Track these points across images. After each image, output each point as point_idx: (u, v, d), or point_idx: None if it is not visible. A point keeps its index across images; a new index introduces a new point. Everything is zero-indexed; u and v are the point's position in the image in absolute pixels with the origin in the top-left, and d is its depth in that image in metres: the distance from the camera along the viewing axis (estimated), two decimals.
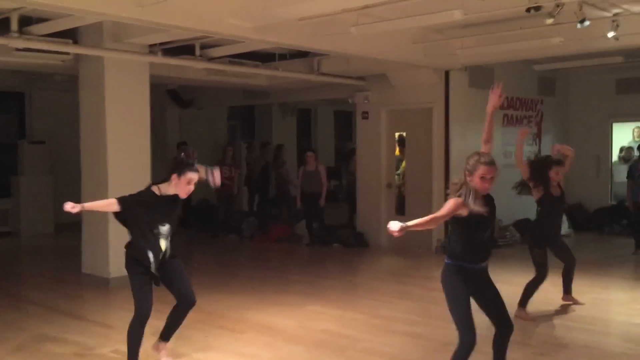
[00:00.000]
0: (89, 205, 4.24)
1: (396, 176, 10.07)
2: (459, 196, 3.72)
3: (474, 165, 3.78)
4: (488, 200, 3.87)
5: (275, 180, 12.21)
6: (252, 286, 7.14)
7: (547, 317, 5.82)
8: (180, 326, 4.46)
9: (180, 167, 4.14)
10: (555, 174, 5.89)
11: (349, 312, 5.98)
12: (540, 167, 5.95)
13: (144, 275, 4.21)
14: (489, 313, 3.87)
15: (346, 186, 11.35)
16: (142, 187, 4.29)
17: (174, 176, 4.14)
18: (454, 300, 3.74)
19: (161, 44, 7.53)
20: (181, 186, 4.14)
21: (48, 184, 11.50)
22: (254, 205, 12.66)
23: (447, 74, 9.14)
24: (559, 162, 5.96)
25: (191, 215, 12.14)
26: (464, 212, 3.68)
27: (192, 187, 4.17)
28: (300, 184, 10.24)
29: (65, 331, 5.37)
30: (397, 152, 10.06)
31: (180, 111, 13.15)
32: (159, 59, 7.38)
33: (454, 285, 3.76)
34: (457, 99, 9.24)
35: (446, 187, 3.96)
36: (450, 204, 3.69)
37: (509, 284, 5.80)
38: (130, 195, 4.18)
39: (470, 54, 8.25)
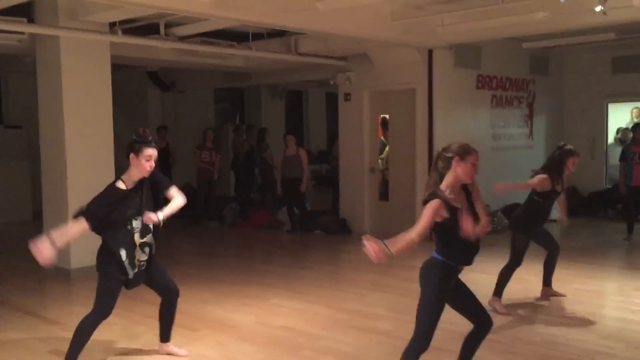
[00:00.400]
0: (61, 240, 3.80)
1: (380, 160, 9.69)
2: (434, 198, 3.40)
3: (466, 150, 3.52)
4: (465, 191, 3.59)
5: (258, 165, 11.84)
6: (220, 278, 6.82)
7: (523, 310, 5.47)
8: (133, 322, 4.28)
9: (137, 145, 3.93)
10: (572, 165, 5.44)
11: (314, 306, 5.65)
12: (557, 162, 5.49)
13: (115, 280, 3.99)
14: (467, 311, 3.63)
15: (330, 171, 10.97)
16: (103, 176, 4.12)
17: (132, 156, 3.94)
18: (432, 302, 3.45)
19: (125, 22, 7.16)
20: (142, 164, 3.92)
21: (25, 170, 11.19)
22: (239, 191, 12.32)
23: (430, 53, 8.70)
24: (575, 153, 5.50)
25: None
26: (444, 214, 3.37)
27: (152, 164, 3.95)
28: (281, 169, 9.88)
29: (6, 328, 5.07)
30: (380, 135, 9.67)
31: (163, 94, 12.77)
32: (120, 38, 6.99)
33: (440, 287, 3.47)
34: (441, 79, 8.81)
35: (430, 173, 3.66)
36: (428, 211, 3.37)
37: (494, 274, 5.50)
38: (93, 203, 3.86)
39: (453, 31, 7.81)
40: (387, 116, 9.53)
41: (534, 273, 6.08)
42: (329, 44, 8.51)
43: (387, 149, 9.62)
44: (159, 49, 8.39)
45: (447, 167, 3.54)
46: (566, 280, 6.25)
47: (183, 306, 5.48)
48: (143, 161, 3.91)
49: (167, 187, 4.17)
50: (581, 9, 6.78)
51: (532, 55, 10.47)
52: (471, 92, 9.44)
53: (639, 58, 10.45)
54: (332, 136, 11.07)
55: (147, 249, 4.09)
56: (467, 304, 3.64)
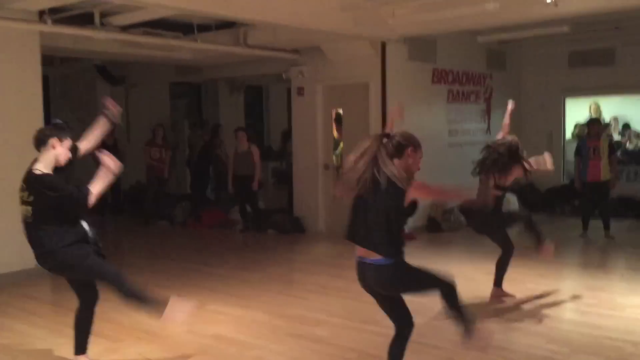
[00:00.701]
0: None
1: (334, 157, 9.41)
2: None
3: (418, 141, 3.39)
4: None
5: (213, 162, 11.46)
6: (158, 282, 6.41)
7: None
8: (52, 331, 4.10)
9: (62, 131, 3.83)
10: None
11: (252, 312, 5.34)
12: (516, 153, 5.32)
13: (91, 254, 3.84)
14: (393, 310, 3.47)
15: (285, 168, 10.66)
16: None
17: (55, 141, 3.76)
18: (418, 277, 3.42)
19: (59, 11, 6.74)
20: (64, 152, 3.81)
21: None
22: (195, 189, 11.93)
23: (383, 46, 8.45)
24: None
25: (123, 201, 11.40)
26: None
27: (69, 154, 3.83)
28: (232, 166, 9.52)
29: None
30: (334, 131, 9.39)
31: (113, 89, 12.26)
32: (49, 28, 6.55)
33: (412, 267, 3.36)
34: (395, 73, 8.57)
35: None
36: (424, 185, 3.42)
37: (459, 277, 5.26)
38: (62, 185, 3.75)
39: (405, 23, 7.60)
40: (341, 111, 9.25)
41: (487, 272, 5.87)
42: (279, 35, 8.19)
43: (341, 144, 9.34)
44: (99, 41, 7.95)
45: (395, 154, 3.32)
46: (518, 279, 6.05)
47: (110, 314, 5.14)
48: (66, 149, 3.84)
49: None
50: (532, 1, 6.61)
51: (488, 49, 10.31)
52: (427, 86, 9.22)
53: (596, 53, 10.37)
54: (287, 132, 10.75)
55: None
56: (394, 300, 3.46)
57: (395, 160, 3.33)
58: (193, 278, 6.63)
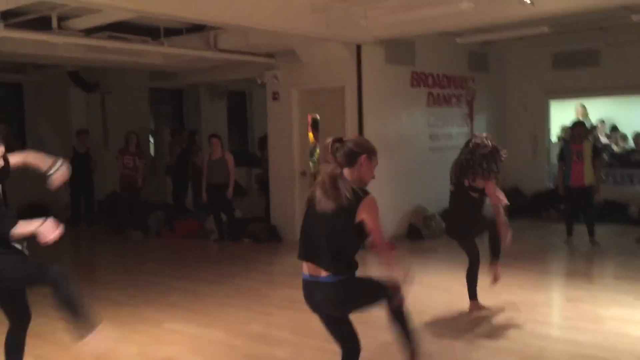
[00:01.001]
0: None
1: (311, 163, 9.12)
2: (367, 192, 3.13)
3: (373, 147, 3.18)
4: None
5: (190, 169, 11.15)
6: (116, 298, 6.13)
7: (438, 328, 4.94)
8: None
9: None
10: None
11: (211, 331, 5.03)
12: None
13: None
14: (339, 332, 3.28)
15: (261, 175, 10.36)
16: None
17: None
18: (368, 290, 3.24)
19: (15, 15, 6.44)
20: None
21: None
22: (174, 197, 11.63)
23: (359, 48, 8.17)
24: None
25: (98, 210, 11.08)
26: None
27: (1, 162, 3.38)
28: (206, 173, 9.21)
29: None
30: (310, 136, 9.10)
31: (88, 95, 11.95)
32: (2, 32, 6.24)
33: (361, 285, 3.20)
34: (371, 77, 8.29)
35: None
36: (376, 210, 3.12)
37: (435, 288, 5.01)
38: None
39: (379, 24, 7.30)
40: (317, 116, 8.97)
41: (463, 283, 5.58)
42: (250, 39, 7.90)
43: (317, 151, 9.06)
44: (63, 46, 7.64)
45: (347, 163, 3.10)
46: (495, 290, 5.77)
47: (56, 336, 4.82)
48: None
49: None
50: (508, 0, 6.35)
51: (470, 51, 10.05)
52: (405, 89, 8.95)
53: (579, 54, 10.13)
54: (262, 138, 10.45)
55: None
56: (340, 325, 3.26)
57: (347, 170, 3.09)
58: (154, 293, 6.29)
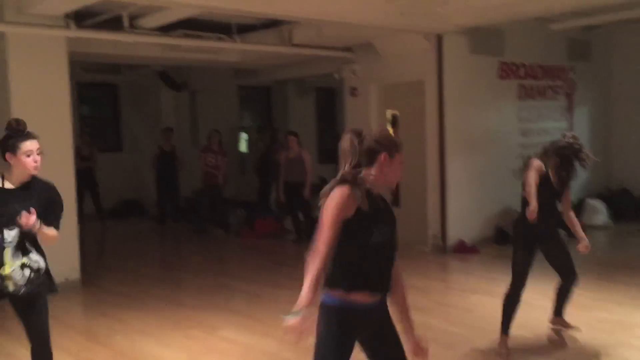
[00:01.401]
0: None
1: None
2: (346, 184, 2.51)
3: (395, 143, 2.62)
4: (381, 201, 2.65)
5: (272, 168, 11.03)
6: (181, 300, 6.05)
7: (514, 349, 4.37)
8: None
9: (10, 142, 3.18)
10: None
11: (265, 340, 4.77)
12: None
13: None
14: None
15: None
16: (60, 186, 3.37)
17: (9, 155, 3.19)
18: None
19: (89, 17, 6.54)
20: (22, 162, 3.18)
21: None
22: (259, 196, 11.59)
23: (440, 39, 7.62)
24: None
25: (183, 208, 11.23)
26: (349, 212, 2.46)
27: (37, 158, 3.21)
28: (283, 172, 9.02)
29: None
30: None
31: (177, 95, 12.15)
32: (74, 33, 6.32)
33: (326, 333, 2.58)
34: (453, 69, 7.71)
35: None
36: (334, 201, 2.47)
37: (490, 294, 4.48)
38: None
39: (460, 12, 6.75)
40: (396, 112, 8.50)
41: (547, 295, 4.92)
42: (324, 32, 7.58)
43: None
44: (139, 45, 7.70)
45: (367, 162, 2.56)
46: (586, 306, 5.10)
47: (114, 339, 4.78)
48: (24, 158, 3.18)
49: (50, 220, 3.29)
50: None
51: (569, 38, 9.14)
52: (493, 82, 8.26)
53: None
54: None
55: (28, 272, 3.21)
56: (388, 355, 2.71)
57: (366, 170, 2.57)
58: (220, 296, 6.15)
